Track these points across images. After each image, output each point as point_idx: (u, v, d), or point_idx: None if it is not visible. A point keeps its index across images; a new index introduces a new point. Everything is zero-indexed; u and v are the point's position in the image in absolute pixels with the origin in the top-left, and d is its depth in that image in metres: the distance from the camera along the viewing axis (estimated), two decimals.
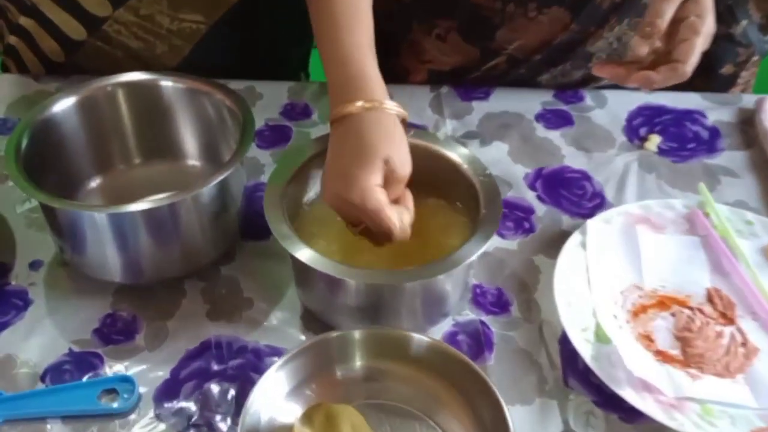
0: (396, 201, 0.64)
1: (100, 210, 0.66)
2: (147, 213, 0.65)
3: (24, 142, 0.69)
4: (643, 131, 0.92)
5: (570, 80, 0.97)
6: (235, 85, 0.94)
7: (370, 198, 0.60)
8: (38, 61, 0.97)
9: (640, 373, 0.63)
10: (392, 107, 0.65)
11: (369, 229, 0.65)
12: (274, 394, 0.60)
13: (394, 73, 1.02)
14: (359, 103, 0.64)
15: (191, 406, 0.63)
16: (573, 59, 0.93)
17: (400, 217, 0.62)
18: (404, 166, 0.64)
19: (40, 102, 0.74)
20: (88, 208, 0.66)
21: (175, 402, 0.64)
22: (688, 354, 0.67)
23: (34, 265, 0.74)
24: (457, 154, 0.72)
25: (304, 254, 0.62)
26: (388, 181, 0.63)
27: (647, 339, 0.69)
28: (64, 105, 0.74)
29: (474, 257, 0.63)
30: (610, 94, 0.96)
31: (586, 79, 0.97)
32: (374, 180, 0.61)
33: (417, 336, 0.62)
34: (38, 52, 0.96)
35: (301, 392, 0.61)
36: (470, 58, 0.95)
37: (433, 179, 0.71)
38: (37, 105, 0.74)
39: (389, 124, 0.64)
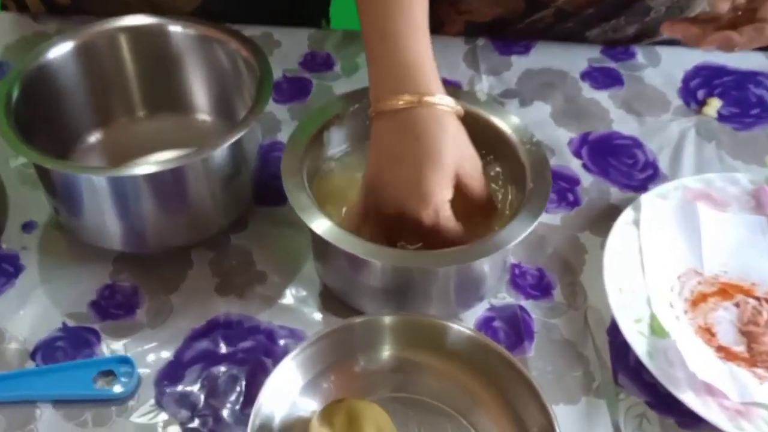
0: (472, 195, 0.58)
1: (99, 172, 0.59)
2: (151, 177, 0.58)
3: (15, 93, 0.62)
4: (701, 94, 0.83)
5: (622, 36, 0.87)
6: (251, 31, 0.86)
7: (442, 217, 0.55)
8: (41, 2, 0.88)
9: (704, 375, 0.55)
10: (450, 103, 0.57)
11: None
12: (289, 387, 0.53)
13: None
14: (409, 97, 0.55)
15: (196, 392, 0.57)
16: (628, 14, 0.84)
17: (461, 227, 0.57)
18: (476, 171, 0.58)
19: (39, 44, 0.66)
20: (86, 170, 0.59)
21: (178, 387, 0.57)
22: (754, 351, 0.60)
23: (28, 227, 0.68)
24: (499, 118, 0.64)
25: (326, 229, 0.55)
26: (465, 185, 0.57)
27: (708, 333, 0.61)
28: (60, 51, 0.66)
29: (519, 240, 0.55)
30: (664, 51, 0.87)
31: (639, 35, 0.87)
32: (447, 196, 0.55)
33: (453, 326, 0.55)
34: None
35: (319, 384, 0.55)
36: (513, 10, 0.86)
37: (472, 145, 0.63)
38: (23, 53, 0.66)
39: (449, 123, 0.56)
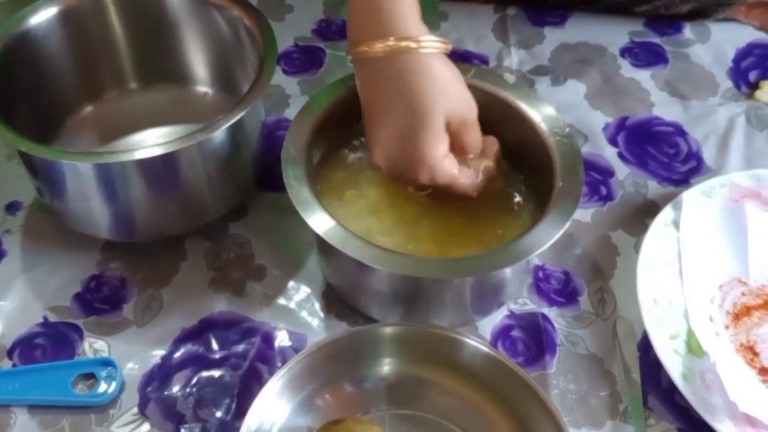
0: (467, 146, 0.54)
1: (84, 158, 0.53)
2: (141, 163, 0.52)
3: None
4: (753, 76, 0.75)
5: (674, 13, 0.79)
6: None
7: (440, 174, 0.52)
8: None
9: (746, 407, 0.49)
10: (431, 43, 0.51)
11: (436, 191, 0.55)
12: (282, 402, 0.48)
13: None
14: (391, 43, 0.50)
15: (184, 401, 0.52)
16: None
17: (474, 175, 0.54)
18: (470, 114, 0.53)
19: (28, 5, 0.61)
20: (69, 156, 0.53)
21: (164, 394, 0.52)
22: None
23: (11, 208, 0.63)
24: (529, 105, 0.57)
25: (330, 229, 0.49)
26: (458, 135, 0.53)
27: (751, 351, 0.55)
28: (43, 17, 0.60)
29: (546, 247, 0.49)
30: (714, 26, 0.79)
31: (693, 14, 0.79)
32: (441, 151, 0.51)
33: (464, 339, 0.50)
34: None
35: (313, 400, 0.50)
36: None
37: (495, 133, 0.56)
38: (13, 15, 0.60)
39: (435, 68, 0.51)
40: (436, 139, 0.51)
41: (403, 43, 0.50)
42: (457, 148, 0.53)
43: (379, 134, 0.53)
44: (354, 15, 0.53)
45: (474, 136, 0.54)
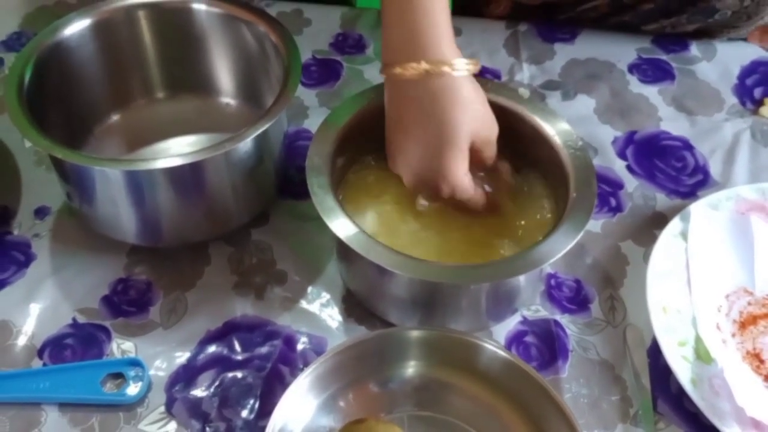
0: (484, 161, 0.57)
1: (114, 165, 0.55)
2: (169, 171, 0.54)
3: (28, 73, 0.58)
4: (758, 92, 0.77)
5: (680, 32, 0.81)
6: (281, 7, 0.82)
7: (460, 191, 0.55)
8: None
9: (753, 411, 0.51)
10: (462, 67, 0.53)
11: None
12: (306, 404, 0.50)
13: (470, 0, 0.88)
14: (424, 65, 0.52)
15: (209, 400, 0.54)
16: (691, 13, 0.78)
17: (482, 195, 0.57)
18: (492, 133, 0.56)
19: (61, 15, 0.63)
20: (100, 162, 0.55)
21: (189, 394, 0.54)
22: None
23: (40, 213, 0.65)
24: (543, 119, 0.59)
25: (353, 235, 0.51)
26: (480, 150, 0.56)
27: (756, 359, 0.57)
28: (76, 28, 0.62)
29: (559, 256, 0.51)
30: (720, 45, 0.81)
31: (699, 33, 0.81)
32: (462, 169, 0.54)
33: (483, 344, 0.52)
34: None
35: (337, 401, 0.51)
36: None
37: (510, 147, 0.59)
38: (53, 22, 0.62)
39: (464, 90, 0.53)
40: (461, 158, 0.53)
41: (438, 67, 0.52)
42: (476, 162, 0.56)
43: (404, 148, 0.55)
44: (388, 36, 0.54)
45: (491, 153, 0.57)
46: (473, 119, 0.53)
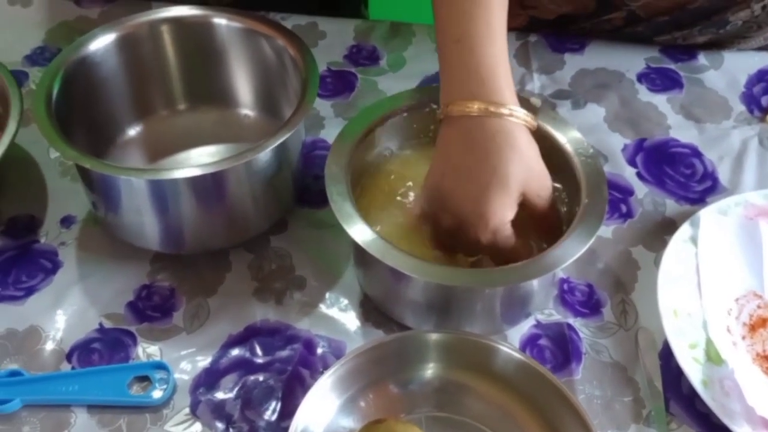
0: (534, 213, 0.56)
1: (139, 174, 0.57)
2: (191, 181, 0.56)
3: (56, 86, 0.61)
4: (765, 100, 0.79)
5: (691, 44, 0.83)
6: (296, 20, 0.84)
7: (502, 238, 0.54)
8: None
9: (763, 411, 0.52)
10: (522, 116, 0.53)
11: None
12: (327, 405, 0.52)
13: None
14: (481, 105, 0.52)
15: (232, 402, 0.55)
16: (704, 25, 0.79)
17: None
18: (543, 191, 0.55)
19: (82, 30, 0.65)
20: (125, 171, 0.57)
21: (213, 396, 0.56)
22: None
23: (66, 222, 0.67)
24: (555, 127, 0.61)
25: (370, 240, 0.53)
26: (530, 202, 0.55)
27: (766, 360, 0.58)
28: (102, 43, 0.64)
29: (571, 261, 0.52)
30: (727, 54, 0.82)
31: (709, 44, 0.83)
32: (509, 217, 0.53)
33: (500, 347, 0.53)
34: None
35: (357, 402, 0.53)
36: (582, 8, 0.81)
37: None
38: (76, 37, 0.64)
39: (520, 138, 0.53)
40: (508, 202, 0.52)
41: (498, 109, 0.52)
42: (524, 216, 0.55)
43: (449, 188, 0.54)
44: (449, 76, 0.55)
45: (545, 206, 0.55)
46: (528, 169, 0.53)
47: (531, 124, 0.54)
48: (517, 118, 0.53)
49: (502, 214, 0.52)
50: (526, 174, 0.53)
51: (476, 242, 0.54)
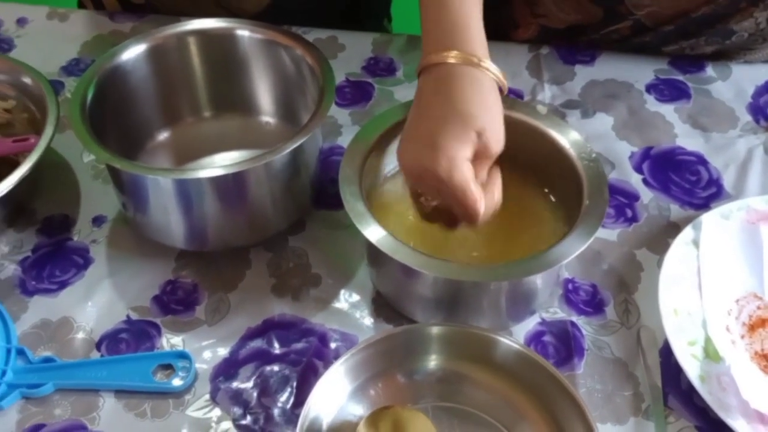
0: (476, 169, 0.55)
1: (166, 174, 0.61)
2: (215, 180, 0.60)
3: (90, 93, 0.65)
4: None
5: (698, 54, 0.85)
6: (317, 34, 0.88)
7: (457, 172, 0.53)
8: (116, 0, 0.92)
9: (757, 404, 0.54)
10: (493, 69, 0.57)
11: (439, 210, 0.58)
12: (337, 391, 0.55)
13: (500, 23, 0.93)
14: (455, 53, 0.55)
15: (249, 390, 0.59)
16: (709, 35, 0.82)
17: (483, 198, 0.54)
18: (498, 142, 0.56)
19: (115, 43, 0.70)
20: (153, 171, 0.61)
21: (232, 384, 0.59)
22: None
23: (97, 221, 0.71)
24: (558, 132, 0.63)
25: (381, 238, 0.56)
26: (476, 156, 0.55)
27: (765, 359, 0.60)
28: (133, 53, 0.69)
29: (572, 257, 0.55)
30: (735, 66, 0.85)
31: (716, 55, 0.85)
32: (465, 153, 0.53)
33: (501, 339, 0.56)
34: None
35: (366, 390, 0.56)
36: (590, 18, 0.84)
37: (528, 158, 0.63)
38: (108, 49, 0.69)
39: (487, 87, 0.56)
40: (463, 138, 0.53)
41: (468, 57, 0.55)
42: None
43: (415, 128, 0.56)
44: (427, 34, 0.58)
45: (484, 166, 0.55)
46: (487, 112, 0.54)
47: (502, 82, 0.57)
48: (489, 70, 0.56)
49: (456, 145, 0.53)
50: (485, 114, 0.54)
51: (437, 189, 0.54)
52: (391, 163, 0.66)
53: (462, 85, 0.55)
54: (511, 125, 0.59)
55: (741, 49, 0.84)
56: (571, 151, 0.62)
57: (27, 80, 0.72)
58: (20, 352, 0.60)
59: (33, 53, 0.85)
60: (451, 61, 0.55)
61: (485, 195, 0.54)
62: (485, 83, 0.56)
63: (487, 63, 0.56)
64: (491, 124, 0.55)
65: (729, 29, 0.80)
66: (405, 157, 0.56)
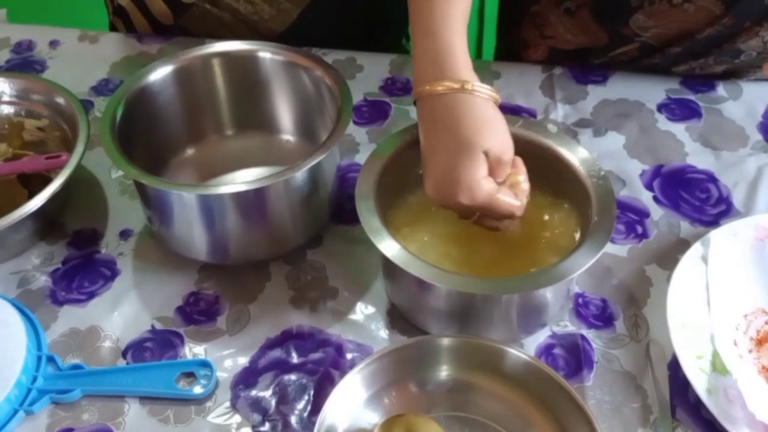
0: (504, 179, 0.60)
1: (190, 189, 0.64)
2: (236, 196, 0.62)
3: (120, 112, 0.68)
4: None
5: (709, 73, 0.87)
6: (336, 55, 0.91)
7: (479, 194, 0.58)
8: (147, 23, 0.96)
9: (763, 416, 0.55)
10: (482, 89, 0.60)
11: (482, 216, 0.61)
12: (353, 399, 0.57)
13: (510, 44, 0.95)
14: (444, 83, 0.59)
15: (268, 398, 0.61)
16: (717, 54, 0.83)
17: (513, 195, 0.60)
18: (508, 149, 0.60)
19: (143, 64, 0.73)
20: (178, 187, 0.64)
21: (251, 392, 0.61)
22: None
23: (124, 235, 0.74)
24: (569, 150, 0.65)
25: (395, 252, 0.58)
26: (493, 167, 0.59)
27: None
28: (160, 74, 0.72)
29: (581, 271, 0.57)
30: (746, 85, 0.86)
31: (726, 74, 0.87)
32: (480, 174, 0.58)
33: (511, 350, 0.57)
34: (147, 14, 0.95)
35: (381, 398, 0.58)
36: (597, 41, 0.86)
37: (540, 175, 0.65)
38: (136, 70, 0.72)
39: (480, 107, 0.59)
40: (475, 164, 0.57)
41: (456, 84, 0.59)
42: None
43: (431, 163, 0.60)
44: (417, 65, 0.62)
45: (503, 171, 0.60)
46: (488, 134, 0.58)
47: (495, 97, 0.60)
48: (481, 93, 0.59)
49: (471, 173, 0.57)
50: (486, 134, 0.58)
51: (469, 209, 0.59)
52: (406, 179, 0.68)
53: (457, 114, 0.59)
54: (522, 144, 0.61)
55: (750, 67, 0.86)
56: (581, 169, 0.64)
57: (59, 100, 0.76)
58: (50, 360, 0.63)
59: (65, 74, 0.89)
60: (441, 89, 0.59)
61: (513, 188, 0.60)
62: (478, 104, 0.59)
63: (474, 84, 0.59)
64: (495, 140, 0.59)
65: (736, 49, 0.82)
66: (430, 191, 0.61)
